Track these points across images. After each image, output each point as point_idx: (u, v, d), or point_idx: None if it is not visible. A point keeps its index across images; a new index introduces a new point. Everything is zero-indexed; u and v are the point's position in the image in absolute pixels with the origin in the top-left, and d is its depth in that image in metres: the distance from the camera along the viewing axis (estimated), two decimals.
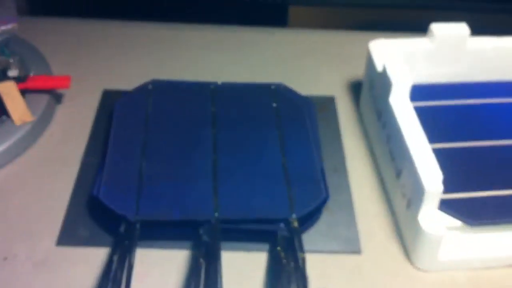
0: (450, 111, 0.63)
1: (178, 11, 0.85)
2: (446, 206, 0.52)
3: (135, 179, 0.53)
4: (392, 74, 0.57)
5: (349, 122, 0.66)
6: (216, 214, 0.51)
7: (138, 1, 0.83)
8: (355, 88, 0.70)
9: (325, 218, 0.55)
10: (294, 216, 0.51)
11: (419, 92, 0.63)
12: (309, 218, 0.53)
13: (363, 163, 0.61)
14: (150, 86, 0.64)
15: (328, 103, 0.68)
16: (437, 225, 0.49)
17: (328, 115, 0.67)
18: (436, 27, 0.63)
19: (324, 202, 0.54)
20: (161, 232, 0.52)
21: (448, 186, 0.51)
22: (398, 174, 0.54)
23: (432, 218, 0.49)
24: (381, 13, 0.88)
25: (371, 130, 0.63)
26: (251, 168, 0.56)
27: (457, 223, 0.51)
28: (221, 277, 0.46)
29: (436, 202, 0.49)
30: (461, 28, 0.63)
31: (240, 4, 0.89)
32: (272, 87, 0.66)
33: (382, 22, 0.85)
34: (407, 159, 0.51)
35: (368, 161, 0.61)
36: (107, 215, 0.51)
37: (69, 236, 0.52)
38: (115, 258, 0.47)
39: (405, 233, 0.53)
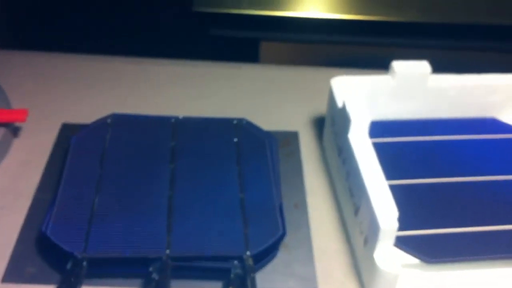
0: (410, 147, 0.63)
1: (145, 45, 0.85)
2: (403, 243, 0.51)
3: (86, 216, 0.52)
4: (350, 111, 0.57)
5: (312, 158, 0.65)
6: (168, 251, 0.49)
7: (99, 35, 0.83)
8: (319, 124, 0.69)
9: (282, 255, 0.54)
10: (248, 253, 0.50)
11: (380, 129, 0.63)
12: (265, 256, 0.52)
13: (324, 200, 0.60)
14: (109, 120, 0.63)
15: (292, 138, 0.68)
16: (393, 262, 0.48)
17: (291, 150, 0.66)
18: (398, 65, 0.64)
19: (280, 239, 0.53)
20: (111, 270, 0.50)
21: (406, 223, 0.50)
22: (356, 211, 0.54)
23: (388, 256, 0.48)
24: (347, 50, 0.89)
25: (332, 166, 0.63)
26: (207, 204, 0.55)
27: (415, 260, 0.50)
28: None
29: (391, 240, 0.48)
30: (422, 66, 0.64)
31: (212, 40, 0.90)
32: (234, 121, 0.65)
33: (348, 58, 0.86)
34: (364, 196, 0.51)
35: (329, 197, 0.61)
36: (55, 252, 0.49)
37: (15, 273, 0.50)
38: None
39: (362, 271, 0.52)
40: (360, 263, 0.53)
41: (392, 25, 0.80)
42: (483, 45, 0.79)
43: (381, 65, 0.67)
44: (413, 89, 0.64)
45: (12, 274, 0.50)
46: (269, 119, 0.68)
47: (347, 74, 0.64)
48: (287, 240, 0.54)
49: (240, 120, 0.65)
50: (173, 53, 0.80)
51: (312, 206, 0.59)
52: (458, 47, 0.80)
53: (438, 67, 0.64)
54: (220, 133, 0.64)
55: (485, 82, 0.65)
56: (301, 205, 0.59)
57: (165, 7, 0.91)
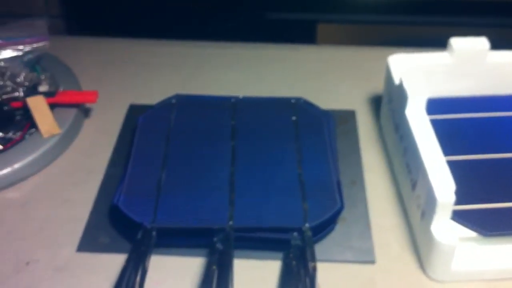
0: (468, 124, 0.63)
1: (205, 30, 0.88)
2: (461, 217, 0.52)
3: (154, 189, 0.55)
4: (407, 87, 0.58)
5: (369, 136, 0.66)
6: (230, 223, 0.52)
7: (164, 21, 0.86)
8: (376, 102, 0.70)
9: (340, 229, 0.55)
10: (307, 225, 0.52)
11: (437, 106, 0.63)
12: (323, 228, 0.54)
13: (381, 176, 0.61)
14: (173, 101, 0.66)
15: (349, 116, 0.69)
16: (450, 235, 0.49)
17: (348, 128, 0.67)
18: (455, 42, 0.64)
19: (338, 213, 0.55)
20: (178, 240, 0.53)
21: (464, 197, 0.51)
22: (414, 186, 0.55)
23: (445, 229, 0.49)
24: (404, 30, 0.89)
25: (389, 143, 0.64)
26: (267, 179, 0.57)
27: (472, 234, 0.51)
28: (232, 285, 0.47)
29: (448, 213, 0.49)
30: (481, 42, 0.64)
31: (270, 22, 0.91)
32: (292, 101, 0.67)
33: (404, 39, 0.86)
34: (421, 170, 0.52)
35: (386, 174, 0.62)
36: (126, 223, 0.53)
37: (89, 243, 0.54)
38: (130, 264, 0.48)
39: (419, 244, 0.53)
40: (417, 236, 0.54)
41: (448, 4, 0.79)
42: None
43: (438, 44, 0.67)
44: (471, 66, 0.64)
45: (86, 244, 0.54)
46: (326, 99, 0.69)
47: (404, 52, 0.64)
48: (345, 214, 0.56)
49: (298, 99, 0.67)
50: (232, 36, 0.82)
51: (370, 183, 0.60)
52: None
53: (496, 45, 0.64)
54: (279, 112, 0.66)
55: None
56: (359, 182, 0.61)
57: None
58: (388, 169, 0.62)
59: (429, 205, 0.50)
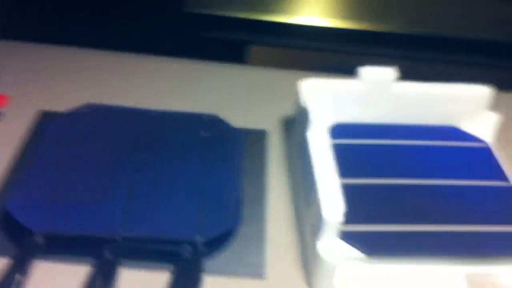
0: (370, 149, 0.65)
1: (131, 40, 0.88)
2: (350, 237, 0.53)
3: (47, 195, 0.55)
4: (311, 110, 0.60)
5: (277, 156, 0.68)
6: (121, 232, 0.52)
7: (88, 29, 0.86)
8: (288, 125, 0.72)
9: (235, 244, 0.56)
10: (199, 238, 0.52)
11: (343, 131, 0.65)
12: (217, 243, 0.55)
13: (283, 196, 0.63)
14: (84, 109, 0.66)
15: (260, 136, 0.70)
16: (334, 253, 0.50)
17: (258, 147, 0.68)
18: (364, 70, 0.66)
19: (233, 228, 0.55)
20: (67, 247, 0.52)
21: (355, 218, 0.52)
22: (309, 205, 0.56)
23: (331, 247, 0.51)
24: (329, 57, 0.92)
25: (294, 163, 0.65)
26: (167, 191, 0.57)
27: (358, 254, 0.52)
28: None
29: (335, 232, 0.51)
30: (388, 72, 0.66)
31: (202, 40, 0.92)
32: (205, 117, 0.68)
33: (331, 65, 0.88)
34: (314, 190, 0.53)
35: (288, 194, 0.63)
36: (16, 227, 0.52)
37: None
38: (14, 268, 0.48)
39: (308, 261, 0.54)
40: (307, 253, 0.55)
41: (364, 34, 0.82)
42: (449, 57, 0.82)
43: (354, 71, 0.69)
44: (377, 94, 0.67)
45: None
46: (240, 118, 0.70)
47: (317, 77, 0.66)
48: (241, 231, 0.57)
49: (212, 116, 0.68)
50: (163, 51, 0.83)
51: (271, 202, 0.61)
52: (423, 58, 0.82)
53: (406, 76, 0.66)
54: (190, 127, 0.66)
55: (448, 91, 0.67)
56: (260, 200, 0.61)
57: (158, 7, 0.94)
58: (291, 189, 0.63)
59: (318, 223, 0.51)
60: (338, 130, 0.64)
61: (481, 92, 0.66)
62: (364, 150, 0.65)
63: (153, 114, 0.67)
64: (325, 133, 0.59)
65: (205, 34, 0.97)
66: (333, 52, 0.94)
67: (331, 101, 0.65)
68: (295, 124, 0.67)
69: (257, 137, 0.70)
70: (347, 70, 0.74)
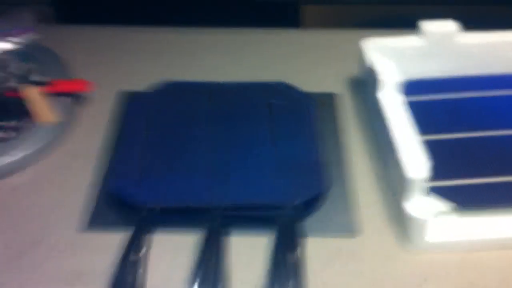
0: (441, 104, 0.66)
1: (187, 15, 0.90)
2: (437, 192, 0.55)
3: (147, 172, 0.59)
4: (379, 70, 0.62)
5: (348, 117, 0.70)
6: (219, 202, 0.56)
7: (149, 8, 0.88)
8: (354, 85, 0.74)
9: (325, 206, 0.59)
10: (295, 203, 0.56)
11: (413, 87, 0.67)
12: (310, 206, 0.58)
13: (361, 156, 0.65)
14: (160, 86, 0.70)
15: (328, 99, 0.72)
16: (423, 209, 0.53)
17: (328, 110, 0.71)
18: (425, 25, 0.67)
19: (326, 189, 0.59)
20: (170, 219, 0.57)
21: (439, 173, 0.55)
22: (389, 164, 0.59)
23: (418, 203, 0.54)
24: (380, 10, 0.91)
25: (368, 124, 0.68)
26: (255, 161, 0.61)
27: (447, 207, 0.55)
28: (223, 261, 0.51)
29: (421, 188, 0.53)
30: (449, 25, 0.67)
31: (252, 6, 0.93)
32: (273, 84, 0.70)
33: (381, 19, 0.89)
34: (395, 149, 0.56)
35: (366, 153, 0.65)
36: (124, 205, 0.57)
37: (89, 223, 0.58)
38: (131, 243, 0.53)
39: (397, 218, 0.57)
40: (395, 211, 0.58)
41: None
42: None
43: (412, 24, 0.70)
44: (441, 48, 0.68)
45: (86, 224, 0.58)
46: (306, 82, 0.72)
47: (378, 35, 0.68)
48: (329, 192, 0.60)
49: (279, 83, 0.70)
50: (220, 21, 0.85)
51: (350, 162, 0.64)
52: (482, 2, 0.81)
53: (466, 22, 0.67)
54: (259, 96, 0.69)
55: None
56: (340, 162, 0.64)
57: None
58: (367, 149, 0.66)
59: (402, 181, 0.54)
60: (408, 87, 0.66)
61: None
62: (437, 105, 0.66)
63: (223, 86, 0.70)
64: (396, 92, 0.61)
65: None
66: (387, 4, 0.93)
67: (395, 59, 0.66)
68: (364, 85, 0.69)
69: (326, 100, 0.72)
70: (405, 23, 0.76)
